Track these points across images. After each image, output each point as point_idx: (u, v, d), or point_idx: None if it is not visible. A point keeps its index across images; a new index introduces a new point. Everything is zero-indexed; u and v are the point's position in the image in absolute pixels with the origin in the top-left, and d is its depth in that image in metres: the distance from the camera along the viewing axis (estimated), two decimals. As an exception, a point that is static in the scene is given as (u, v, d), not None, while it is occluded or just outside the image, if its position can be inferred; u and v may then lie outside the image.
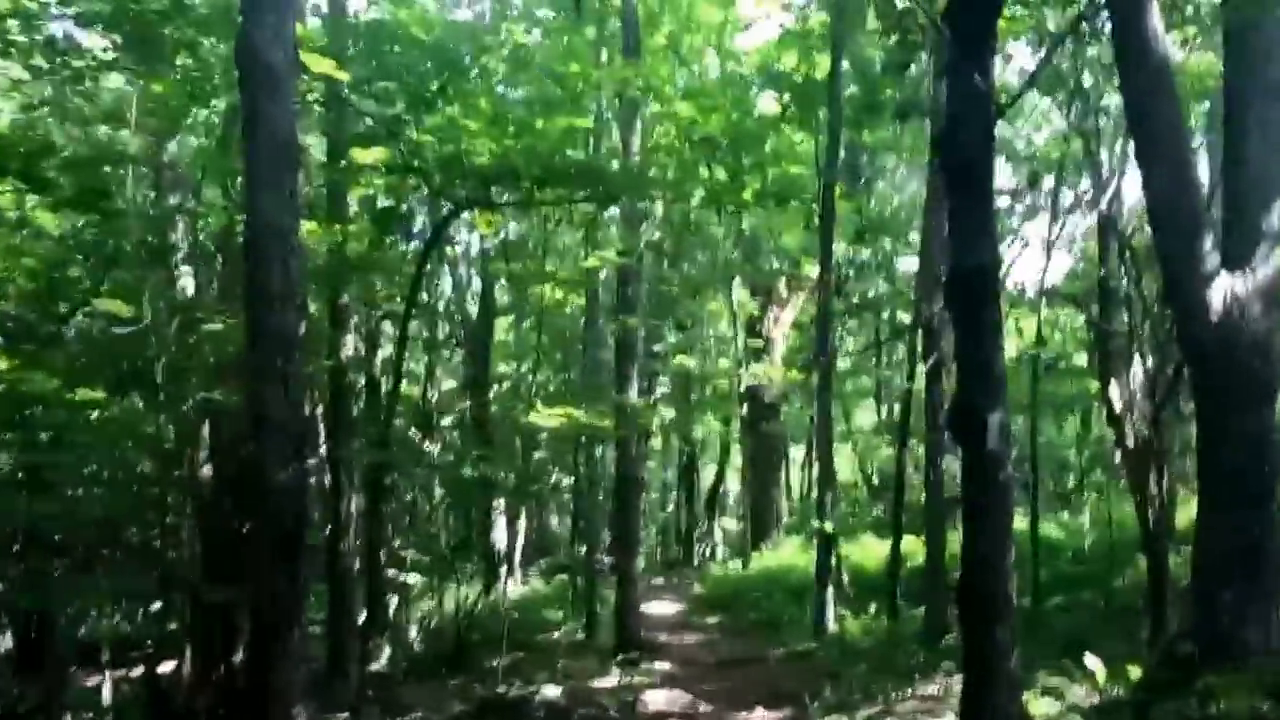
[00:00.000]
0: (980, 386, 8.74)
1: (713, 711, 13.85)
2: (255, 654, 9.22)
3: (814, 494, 39.14)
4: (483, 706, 13.71)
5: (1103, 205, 14.59)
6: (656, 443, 37.64)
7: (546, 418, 15.49)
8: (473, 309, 26.37)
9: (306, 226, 13.12)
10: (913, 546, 19.83)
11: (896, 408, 34.21)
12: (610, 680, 16.41)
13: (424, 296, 19.62)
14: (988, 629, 8.63)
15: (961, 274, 8.82)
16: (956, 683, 12.44)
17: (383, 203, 14.32)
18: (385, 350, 24.26)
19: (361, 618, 21.23)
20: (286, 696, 9.07)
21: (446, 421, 27.40)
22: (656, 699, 14.21)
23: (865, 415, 36.22)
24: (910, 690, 12.72)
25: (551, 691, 13.72)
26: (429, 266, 15.26)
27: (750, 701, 14.09)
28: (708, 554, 32.92)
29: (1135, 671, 10.75)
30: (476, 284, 27.09)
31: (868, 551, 23.36)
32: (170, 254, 15.37)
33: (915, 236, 20.55)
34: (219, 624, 13.81)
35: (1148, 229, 15.58)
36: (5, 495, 13.36)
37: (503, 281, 24.67)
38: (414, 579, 13.30)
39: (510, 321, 28.55)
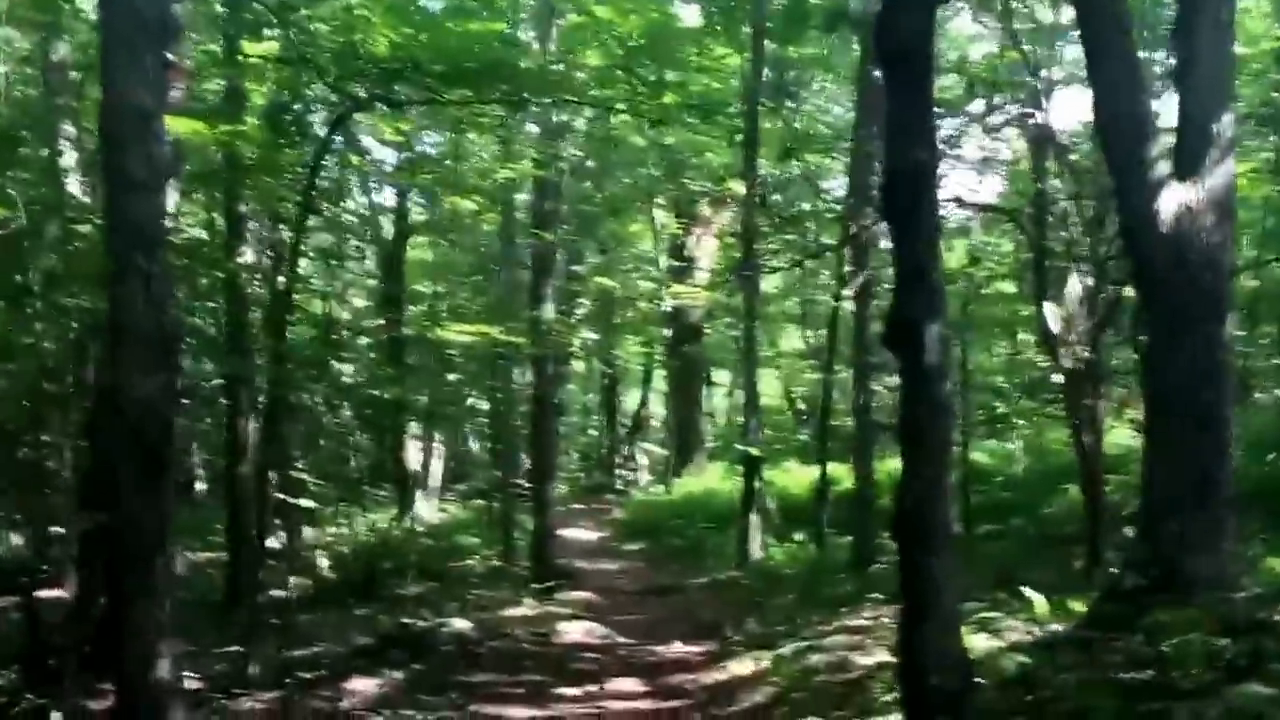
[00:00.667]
0: (917, 295, 7.97)
1: (631, 645, 13.20)
2: (112, 585, 8.31)
3: (740, 418, 39.08)
4: (386, 639, 12.92)
5: (1039, 117, 13.88)
6: (579, 366, 36.88)
7: (459, 334, 14.60)
8: (388, 226, 25.25)
9: (193, 126, 12.10)
10: (839, 473, 19.32)
11: (823, 331, 33.93)
12: (525, 610, 15.72)
13: (326, 206, 18.52)
14: (925, 559, 7.94)
15: (899, 173, 8.00)
16: (886, 614, 11.89)
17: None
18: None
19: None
20: (145, 633, 8.15)
21: (362, 342, 26.45)
22: (572, 631, 13.53)
23: (791, 340, 35.62)
24: (837, 621, 12.12)
25: (461, 623, 12.97)
26: (325, 167, 14.16)
27: (670, 634, 13.48)
28: (630, 479, 32.32)
29: (1078, 605, 10.23)
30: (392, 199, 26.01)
31: (793, 478, 22.85)
32: (54, 154, 14.26)
33: (844, 158, 19.78)
34: (102, 551, 12.84)
35: (1085, 145, 15.13)
36: None
37: (416, 196, 23.56)
38: (310, 504, 12.39)
39: (429, 240, 27.43)
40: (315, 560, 21.02)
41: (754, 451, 17.56)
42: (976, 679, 8.17)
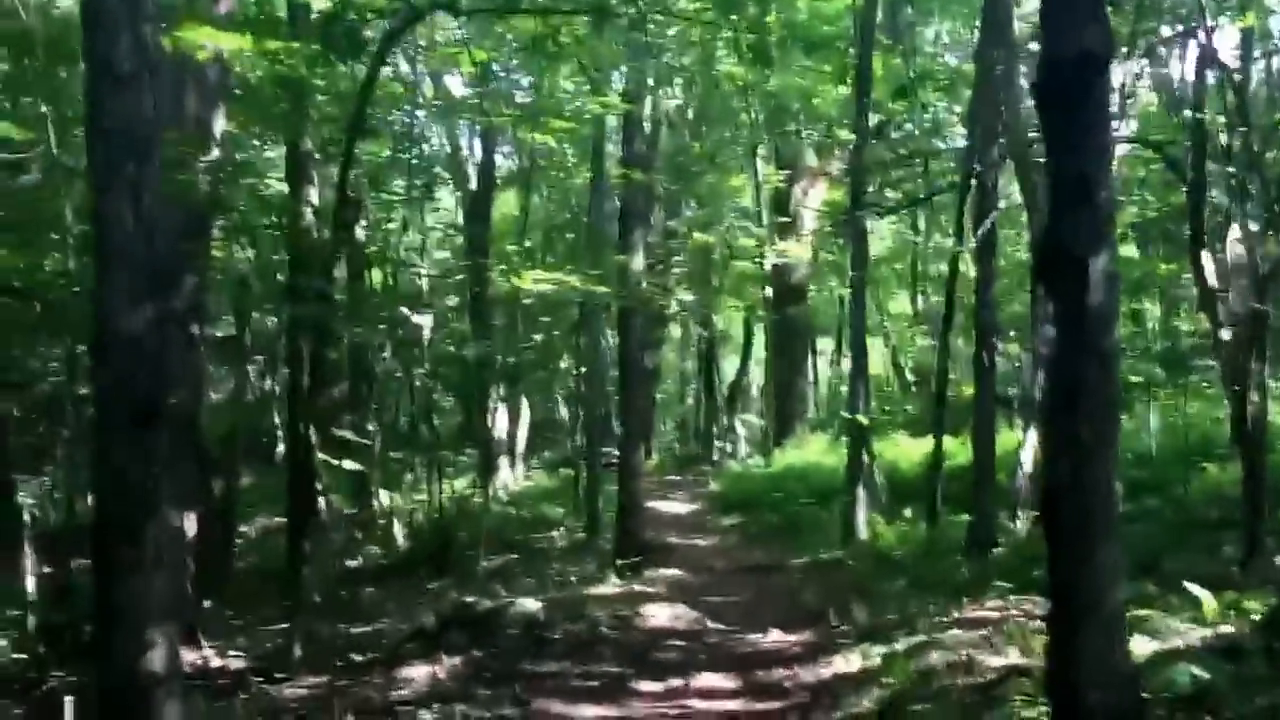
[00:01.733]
0: (1082, 218, 6.35)
1: (722, 631, 11.71)
2: (97, 557, 7.01)
3: (844, 386, 37.22)
4: (448, 620, 11.57)
5: (1202, 36, 12.05)
6: (674, 330, 35.37)
7: (537, 282, 13.18)
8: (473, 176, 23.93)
9: (240, 42, 10.81)
10: (954, 447, 17.67)
11: (934, 297, 31.96)
12: (607, 589, 14.35)
13: (397, 147, 17.24)
14: (1083, 547, 6.36)
15: (1061, 62, 6.36)
16: (1014, 606, 10.31)
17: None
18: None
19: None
20: (133, 614, 6.84)
21: (451, 302, 25.26)
22: (658, 614, 12.06)
23: (900, 305, 33.71)
24: (957, 612, 10.51)
25: (531, 604, 11.54)
26: (380, 83, 12.77)
27: (766, 620, 11.96)
28: (728, 451, 30.72)
29: (1252, 604, 8.55)
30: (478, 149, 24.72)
31: (902, 451, 21.15)
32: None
33: (964, 98, 17.95)
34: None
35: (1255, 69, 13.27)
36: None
37: (503, 146, 22.17)
38: (350, 465, 11.05)
39: (517, 193, 26.08)
40: (390, 528, 19.97)
41: (861, 421, 15.94)
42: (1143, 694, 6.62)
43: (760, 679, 9.79)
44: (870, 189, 16.83)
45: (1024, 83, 13.21)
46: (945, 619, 10.22)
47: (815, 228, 26.04)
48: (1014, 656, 8.56)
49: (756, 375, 35.43)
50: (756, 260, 25.33)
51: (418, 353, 18.32)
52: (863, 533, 15.91)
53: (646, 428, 18.01)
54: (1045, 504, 6.72)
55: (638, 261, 15.93)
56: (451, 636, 11.03)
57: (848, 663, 9.67)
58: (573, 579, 15.33)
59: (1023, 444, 15.35)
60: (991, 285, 13.86)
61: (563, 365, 26.91)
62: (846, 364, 37.14)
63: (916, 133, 19.06)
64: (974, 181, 14.38)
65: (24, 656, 11.57)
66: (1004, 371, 22.47)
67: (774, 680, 9.72)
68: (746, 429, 32.55)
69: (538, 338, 23.81)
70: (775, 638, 11.26)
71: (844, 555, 15.23)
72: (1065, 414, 6.40)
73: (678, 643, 11.18)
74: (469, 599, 12.18)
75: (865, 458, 16.37)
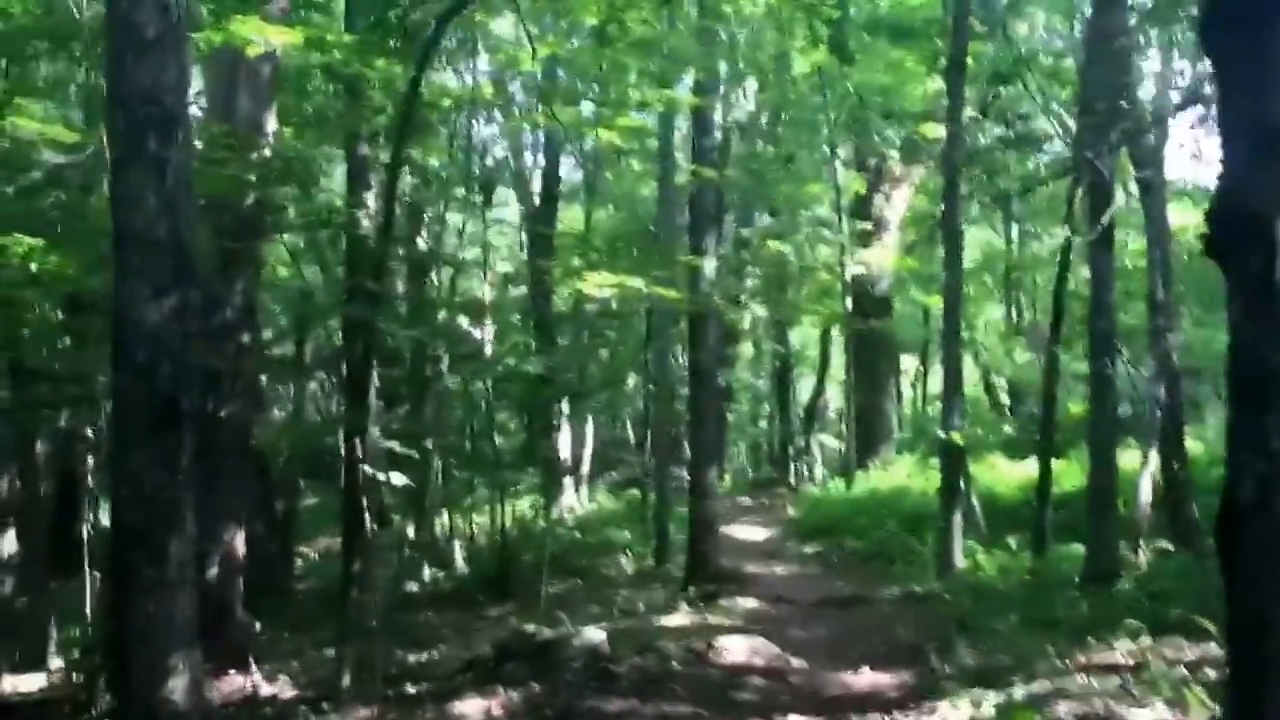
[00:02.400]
0: (1271, 171, 5.07)
1: (807, 670, 10.41)
2: (115, 572, 6.13)
3: (930, 406, 35.66)
4: (506, 649, 10.43)
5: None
6: (746, 349, 34.06)
7: (600, 286, 12.02)
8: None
9: (290, 37, 9.93)
10: (1060, 470, 16.35)
11: (1027, 310, 30.45)
12: (678, 619, 13.14)
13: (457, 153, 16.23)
14: (1278, 583, 5.05)
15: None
16: (1151, 650, 8.95)
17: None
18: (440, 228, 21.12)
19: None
20: (154, 638, 5.96)
21: (515, 319, 24.24)
22: (734, 648, 10.75)
23: (991, 320, 32.15)
24: (1081, 655, 9.17)
25: (595, 634, 10.30)
26: (436, 91, 11.82)
27: (856, 658, 10.64)
28: (805, 473, 29.37)
29: None
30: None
31: (998, 475, 19.80)
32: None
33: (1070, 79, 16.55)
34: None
35: None
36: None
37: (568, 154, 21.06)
38: (398, 480, 9.98)
39: (584, 202, 24.97)
40: (450, 551, 18.98)
41: (957, 440, 14.58)
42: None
43: (854, 727, 8.51)
44: (966, 186, 15.34)
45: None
46: (1068, 663, 8.88)
47: (899, 236, 24.69)
48: (1162, 711, 7.23)
49: (833, 395, 34.09)
50: (836, 270, 23.97)
51: (478, 367, 17.24)
52: (959, 563, 14.54)
53: (719, 446, 16.73)
54: (1222, 527, 5.36)
55: (709, 265, 14.70)
56: (509, 668, 9.89)
57: (956, 711, 8.34)
58: (640, 608, 14.18)
59: (1142, 467, 13.96)
60: (1110, 288, 12.46)
61: (629, 383, 25.79)
62: (934, 381, 35.97)
63: (1015, 124, 17.48)
64: (1084, 172, 13.01)
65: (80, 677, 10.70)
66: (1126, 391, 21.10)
67: (870, 729, 8.43)
68: (824, 451, 31.23)
69: (604, 354, 22.73)
70: (867, 678, 9.95)
71: (939, 587, 13.88)
72: (1251, 414, 5.08)
73: (757, 681, 9.89)
74: (529, 627, 10.99)
75: (961, 482, 14.99)
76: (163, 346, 5.97)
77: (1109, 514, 12.57)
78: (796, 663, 10.55)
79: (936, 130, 17.94)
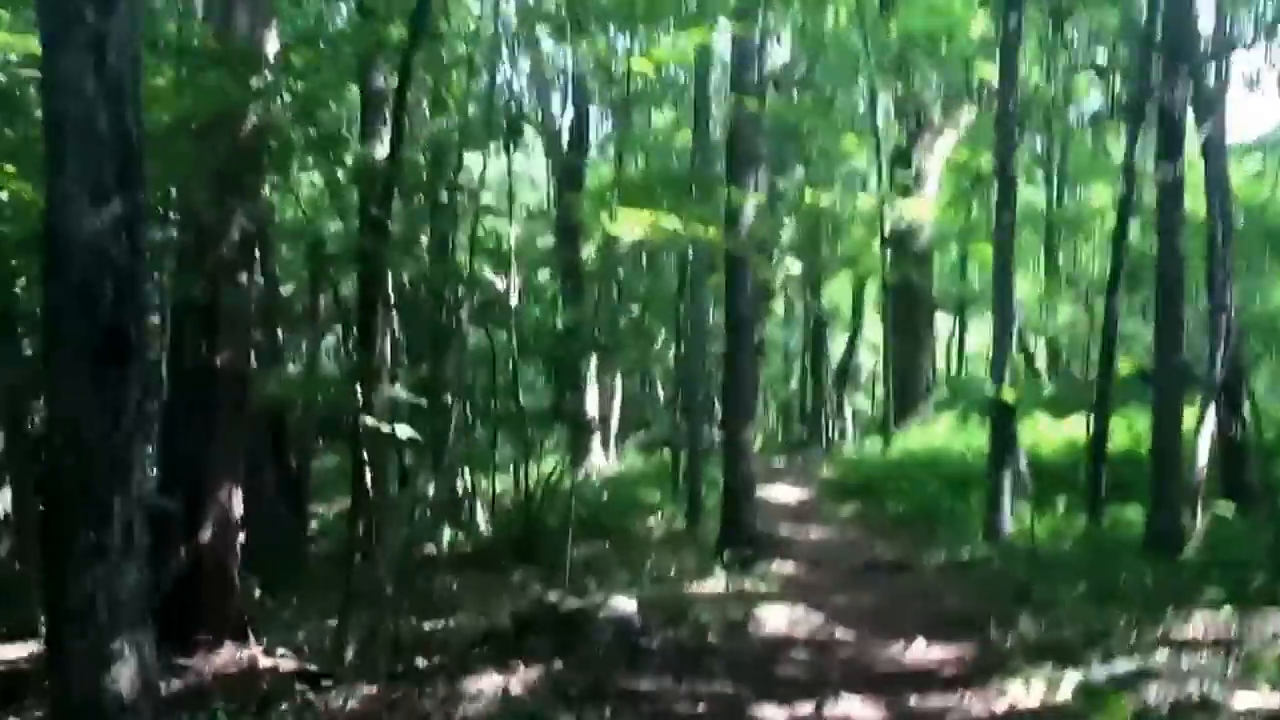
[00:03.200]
0: None
1: (854, 642, 9.62)
2: (48, 538, 5.26)
3: (965, 364, 34.70)
4: (526, 621, 9.66)
5: None
6: (778, 307, 33.13)
7: (628, 226, 11.15)
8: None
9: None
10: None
11: (1067, 267, 29.40)
12: (712, 586, 12.40)
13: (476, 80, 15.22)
14: None
15: None
16: (1240, 623, 8.13)
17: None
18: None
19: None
20: (91, 618, 5.11)
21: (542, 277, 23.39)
22: (775, 618, 10.00)
23: (1027, 279, 31.12)
24: (1160, 628, 8.35)
25: (625, 604, 9.50)
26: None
27: (907, 629, 9.84)
28: (836, 435, 28.50)
29: None
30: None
31: (1042, 435, 18.86)
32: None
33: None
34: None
35: None
36: None
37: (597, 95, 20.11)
38: (405, 432, 9.07)
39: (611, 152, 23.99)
40: (474, 513, 18.23)
41: (1007, 396, 13.72)
42: None
43: (914, 708, 7.70)
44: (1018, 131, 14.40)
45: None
46: (1147, 638, 8.06)
47: (939, 188, 23.72)
48: (1268, 694, 6.41)
49: (864, 356, 33.23)
50: (874, 223, 23.01)
51: (501, 318, 16.44)
52: (1008, 527, 13.72)
53: (752, 403, 15.89)
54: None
55: (750, 204, 13.79)
56: (530, 641, 9.13)
57: (1027, 692, 7.54)
58: (672, 573, 13.41)
59: (1200, 426, 13.06)
60: (1179, 232, 11.52)
61: (660, 339, 24.94)
62: (969, 339, 35.03)
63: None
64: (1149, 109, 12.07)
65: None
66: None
67: (932, 711, 7.61)
68: (855, 412, 30.39)
69: (635, 308, 21.88)
70: (921, 651, 9.14)
71: (989, 553, 13.08)
72: None
73: (802, 656, 9.14)
74: (552, 596, 10.18)
75: (1010, 440, 14.15)
76: (105, 264, 4.91)
77: (1173, 475, 11.74)
78: (842, 634, 9.80)
79: (990, 71, 16.92)
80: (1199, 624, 8.32)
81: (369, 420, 8.17)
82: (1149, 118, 13.68)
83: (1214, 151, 13.36)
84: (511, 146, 18.54)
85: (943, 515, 15.84)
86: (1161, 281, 11.86)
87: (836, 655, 9.17)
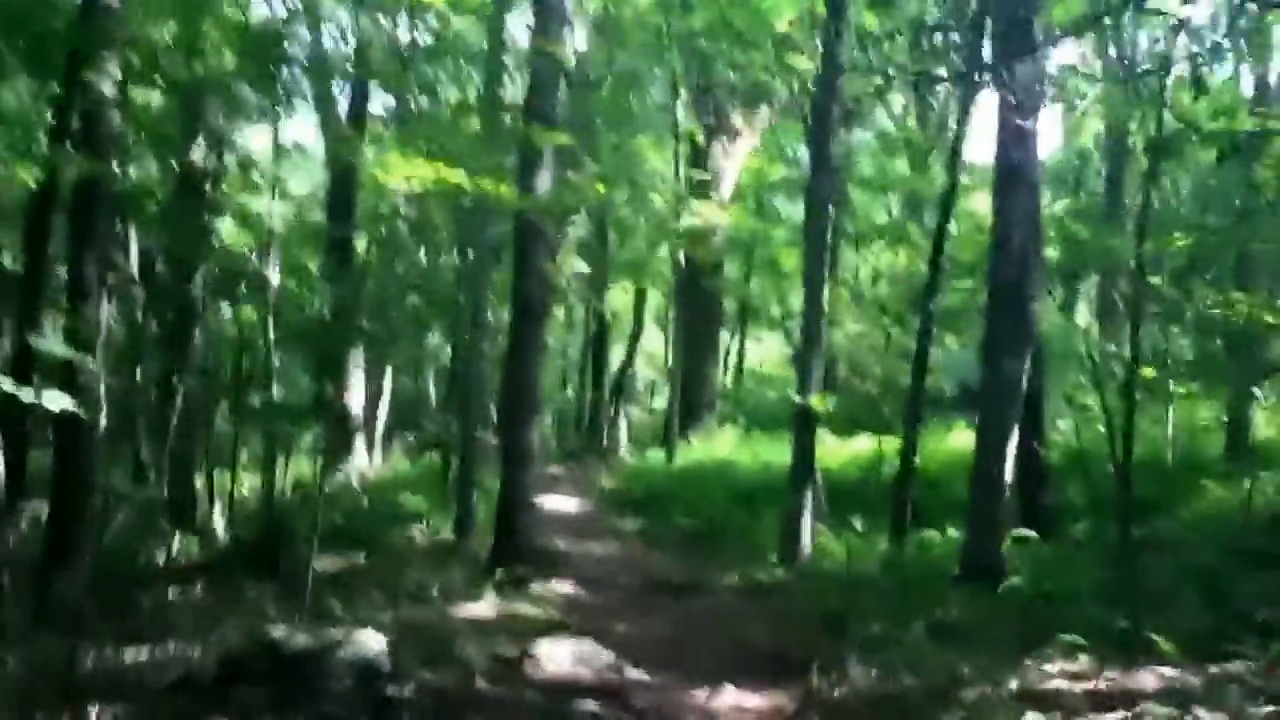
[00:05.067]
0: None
1: (650, 686, 8.15)
2: None
3: (747, 374, 33.90)
4: (238, 662, 7.61)
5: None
6: (559, 311, 31.66)
7: (405, 176, 9.48)
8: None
9: None
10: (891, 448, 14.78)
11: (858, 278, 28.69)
12: (482, 609, 10.87)
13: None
14: None
15: None
16: (1099, 671, 7.01)
17: None
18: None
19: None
20: None
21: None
22: (556, 656, 8.39)
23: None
24: (1017, 682, 7.10)
25: (371, 643, 7.60)
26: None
27: (710, 668, 8.46)
28: (613, 445, 27.17)
29: None
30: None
31: (829, 452, 17.86)
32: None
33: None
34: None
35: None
36: None
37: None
38: (55, 402, 6.86)
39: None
40: (211, 517, 16.08)
41: (815, 405, 12.58)
42: None
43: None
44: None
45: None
46: (1002, 691, 6.83)
47: (735, 191, 22.70)
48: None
49: (641, 365, 32.14)
50: (667, 225, 21.75)
51: (250, 295, 14.53)
52: (808, 548, 12.57)
53: (538, 403, 14.26)
54: None
55: (548, 154, 12.10)
56: (240, 691, 7.12)
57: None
58: (435, 592, 11.76)
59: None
60: (1016, 226, 10.41)
61: (435, 336, 23.11)
62: (752, 349, 34.26)
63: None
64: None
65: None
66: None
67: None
68: (630, 424, 29.12)
69: (413, 300, 20.00)
70: (733, 701, 7.75)
71: (788, 576, 11.91)
72: None
73: (589, 707, 7.52)
74: (276, 630, 8.06)
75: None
76: None
77: (995, 499, 10.74)
78: (635, 674, 8.31)
79: (803, 63, 15.83)
80: (1058, 675, 7.13)
81: (7, 384, 6.03)
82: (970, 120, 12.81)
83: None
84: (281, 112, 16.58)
85: (732, 532, 14.76)
86: (994, 283, 10.82)
87: (632, 705, 7.66)
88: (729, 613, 10.67)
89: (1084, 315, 23.85)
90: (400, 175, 9.73)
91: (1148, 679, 6.70)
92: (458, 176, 9.44)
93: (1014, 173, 10.63)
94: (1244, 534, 10.43)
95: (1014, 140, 10.57)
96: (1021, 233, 10.58)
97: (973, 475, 11.00)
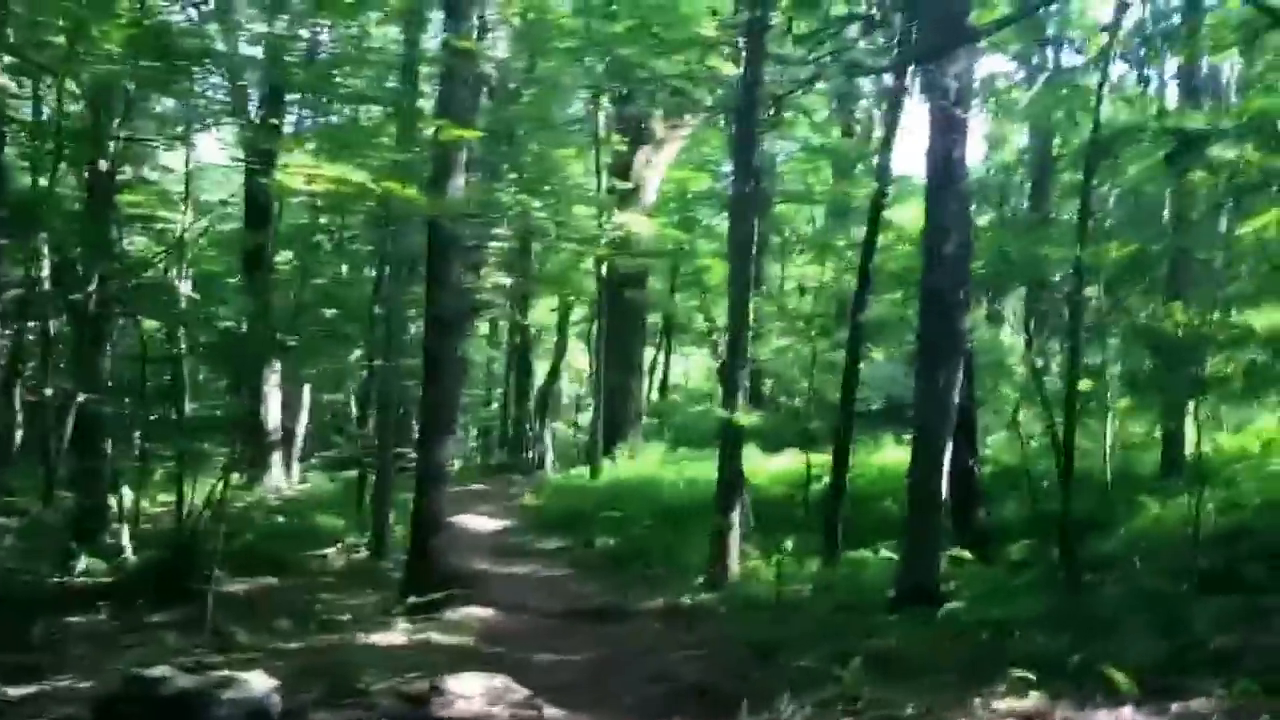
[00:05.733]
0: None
1: (570, 723, 7.66)
2: None
3: (671, 389, 33.49)
4: (109, 708, 7.00)
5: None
6: (484, 325, 31.14)
7: (308, 177, 8.95)
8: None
9: None
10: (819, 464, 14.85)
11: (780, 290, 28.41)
12: (393, 636, 10.40)
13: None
14: None
15: None
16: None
17: None
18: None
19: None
20: None
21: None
22: (469, 691, 7.83)
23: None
24: (970, 717, 6.68)
25: (258, 684, 6.99)
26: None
27: (633, 703, 8.00)
28: (537, 461, 26.67)
29: None
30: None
31: (755, 467, 17.49)
32: None
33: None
34: None
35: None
36: None
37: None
38: None
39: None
40: (119, 536, 15.35)
41: (740, 419, 12.20)
42: None
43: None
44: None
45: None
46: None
47: (657, 202, 22.30)
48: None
49: (566, 380, 31.73)
50: (590, 235, 21.30)
51: (157, 306, 13.92)
52: (735, 570, 12.17)
53: (454, 418, 13.66)
54: None
55: (462, 156, 11.51)
56: None
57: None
58: (347, 617, 11.25)
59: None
60: (948, 234, 10.05)
61: (355, 354, 22.48)
62: (676, 363, 33.80)
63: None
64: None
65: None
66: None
67: None
68: (555, 439, 28.63)
69: (330, 313, 19.38)
70: (659, 741, 7.28)
71: (715, 600, 11.50)
72: None
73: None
74: (156, 671, 7.36)
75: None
76: None
77: (933, 518, 10.34)
78: (552, 713, 7.80)
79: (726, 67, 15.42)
80: (1008, 715, 6.71)
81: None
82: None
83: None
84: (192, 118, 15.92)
85: (657, 552, 14.31)
86: (927, 292, 10.45)
87: (551, 749, 7.17)
88: (653, 641, 10.21)
89: (1008, 330, 23.70)
90: (302, 177, 9.17)
91: (1105, 720, 6.30)
92: (361, 177, 8.90)
93: (946, 171, 10.29)
94: (1190, 554, 10.14)
95: (945, 138, 10.27)
96: (955, 238, 10.26)
97: (909, 493, 10.60)
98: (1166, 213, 14.39)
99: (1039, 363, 19.45)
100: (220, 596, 11.39)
